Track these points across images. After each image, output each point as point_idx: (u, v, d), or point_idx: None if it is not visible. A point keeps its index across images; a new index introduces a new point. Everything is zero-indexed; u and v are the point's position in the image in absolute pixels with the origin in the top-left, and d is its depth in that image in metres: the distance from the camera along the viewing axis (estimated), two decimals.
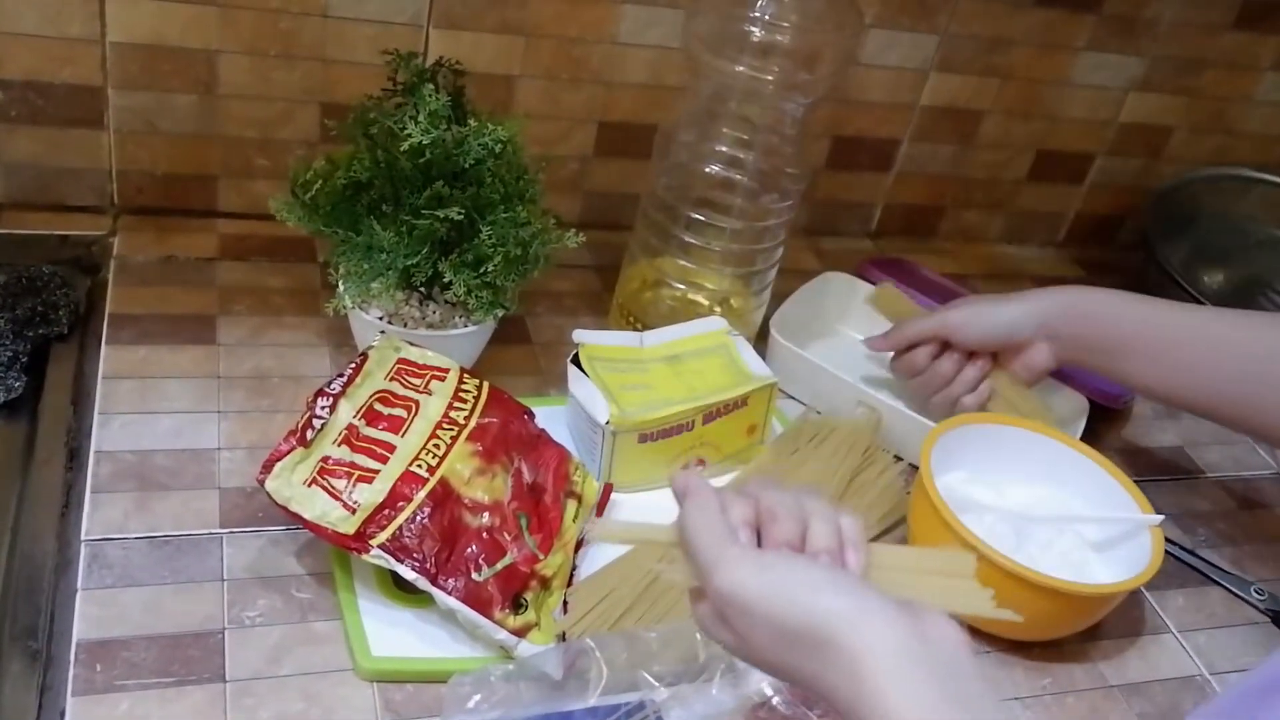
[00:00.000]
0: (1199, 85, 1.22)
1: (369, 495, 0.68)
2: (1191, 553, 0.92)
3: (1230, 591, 0.89)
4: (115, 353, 0.84)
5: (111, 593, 0.68)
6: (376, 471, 0.69)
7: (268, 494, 0.68)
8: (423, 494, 0.69)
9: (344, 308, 0.80)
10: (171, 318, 0.88)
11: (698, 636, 0.69)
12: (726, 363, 0.87)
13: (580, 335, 0.85)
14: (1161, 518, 0.81)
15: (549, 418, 0.85)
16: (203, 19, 0.90)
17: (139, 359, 0.84)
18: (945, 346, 0.90)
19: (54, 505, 0.74)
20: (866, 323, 1.04)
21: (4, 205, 0.95)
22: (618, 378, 0.83)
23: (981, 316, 0.89)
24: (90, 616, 0.67)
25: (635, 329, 0.93)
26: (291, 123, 0.97)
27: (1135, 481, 0.84)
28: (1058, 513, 0.84)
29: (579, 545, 0.76)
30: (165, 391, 0.82)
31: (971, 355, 0.90)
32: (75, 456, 0.78)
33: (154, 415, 0.80)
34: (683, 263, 0.93)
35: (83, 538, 0.71)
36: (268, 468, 0.68)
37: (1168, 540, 0.90)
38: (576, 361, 0.83)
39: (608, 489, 0.80)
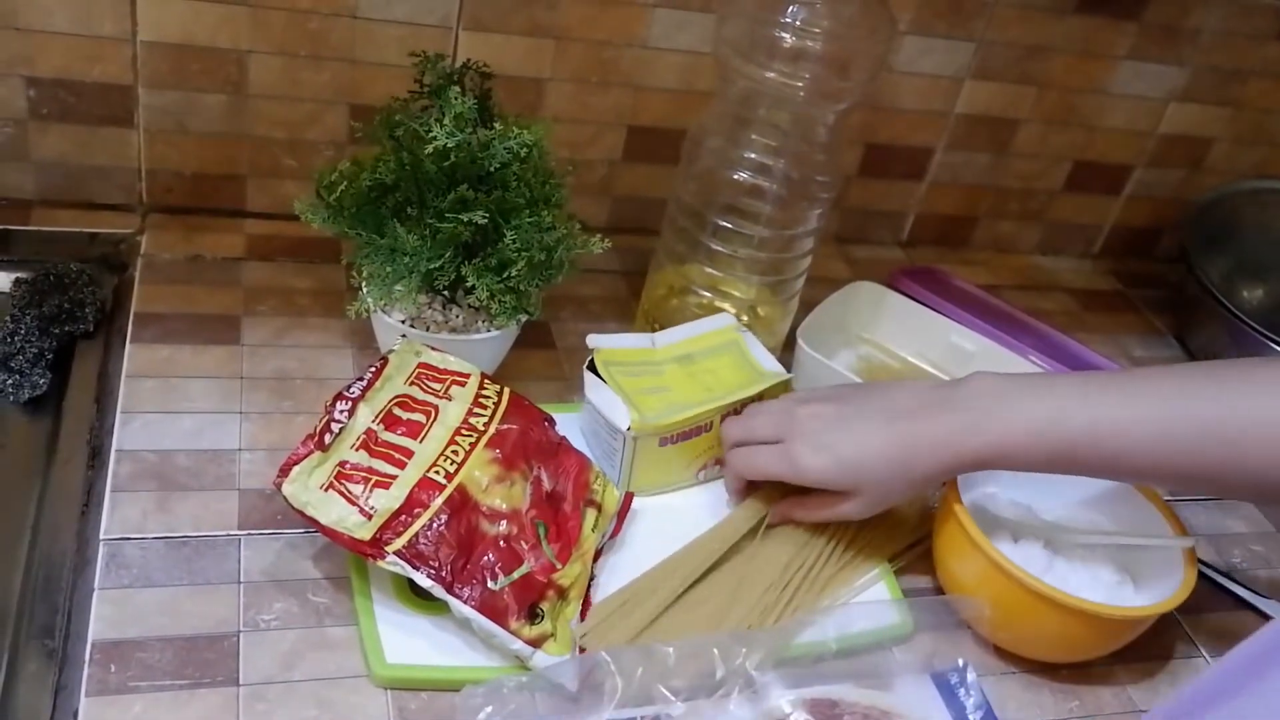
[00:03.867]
0: (1242, 96, 1.19)
1: (386, 501, 0.68)
2: (1226, 575, 0.89)
3: (1265, 616, 0.87)
4: (139, 351, 0.84)
5: (128, 593, 0.68)
6: (394, 477, 0.69)
7: (284, 498, 0.67)
8: (440, 500, 0.68)
9: (366, 311, 0.80)
10: (196, 317, 0.88)
11: (715, 651, 0.68)
12: (739, 360, 0.86)
13: (594, 340, 0.84)
14: (1194, 540, 0.79)
15: (573, 423, 0.84)
16: (233, 19, 0.90)
17: (163, 358, 0.84)
18: None
19: (74, 503, 0.74)
20: (895, 333, 1.03)
21: (34, 202, 0.96)
22: (634, 382, 0.82)
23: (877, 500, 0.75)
24: (106, 616, 0.67)
25: None
26: (320, 123, 0.97)
27: (1168, 500, 0.82)
28: (1089, 533, 0.82)
29: (598, 555, 0.75)
30: (188, 391, 0.82)
31: None
32: (97, 455, 0.78)
33: (176, 415, 0.80)
34: (709, 270, 0.92)
35: (101, 537, 0.71)
36: (285, 471, 0.67)
37: (1201, 562, 0.88)
38: (593, 367, 0.82)
39: (628, 498, 0.79)
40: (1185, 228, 1.17)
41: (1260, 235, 1.22)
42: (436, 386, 0.75)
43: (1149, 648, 0.81)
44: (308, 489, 0.67)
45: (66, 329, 0.86)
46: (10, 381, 0.81)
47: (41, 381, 0.82)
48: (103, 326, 0.88)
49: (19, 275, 0.88)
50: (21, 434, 0.80)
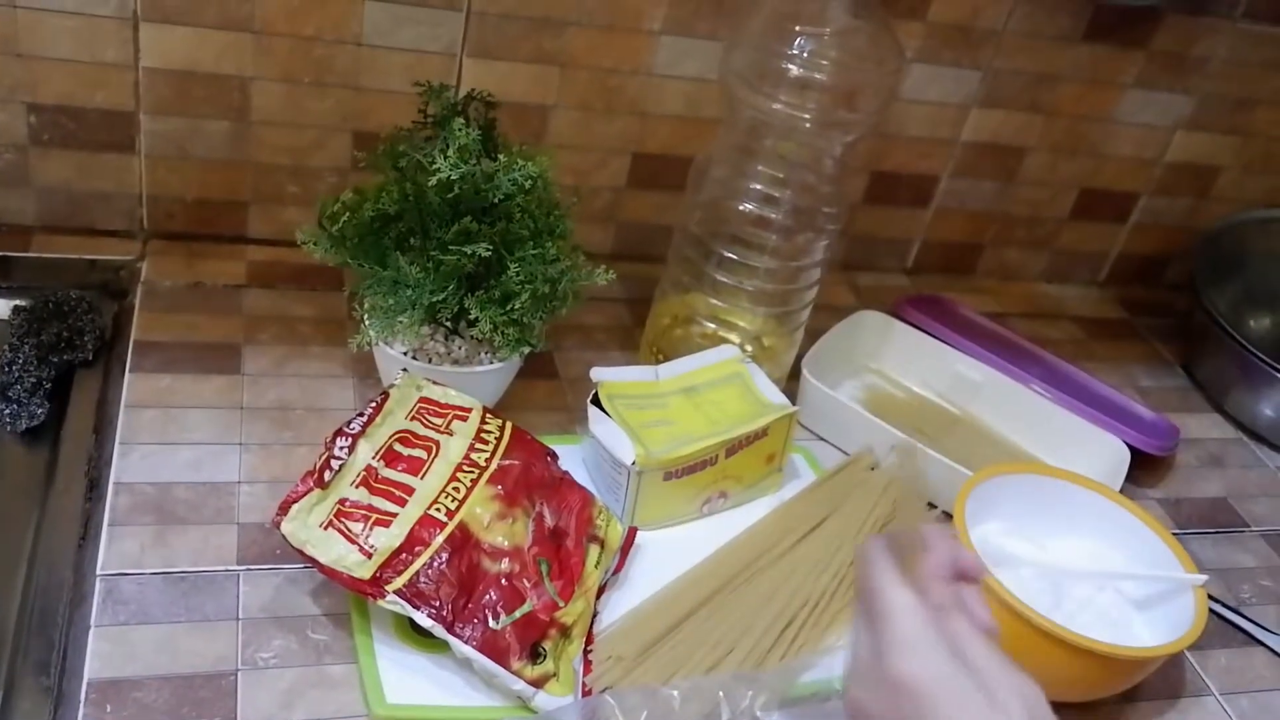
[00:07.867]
0: (1250, 124, 1.18)
1: (386, 539, 0.67)
2: (1235, 611, 0.88)
3: (1275, 653, 0.86)
4: (139, 381, 0.84)
5: (124, 630, 0.67)
6: (394, 515, 0.68)
7: (283, 537, 0.66)
8: (441, 538, 0.67)
9: (367, 344, 0.79)
10: (196, 345, 0.88)
11: (720, 694, 0.67)
12: (743, 392, 0.86)
13: (597, 373, 0.84)
14: (1205, 578, 0.78)
15: (575, 455, 0.84)
16: (237, 45, 0.89)
17: (162, 387, 0.83)
18: None
19: (71, 536, 0.74)
20: (901, 363, 1.02)
21: (35, 228, 0.95)
22: (638, 415, 0.82)
23: None
24: (102, 654, 0.66)
25: None
26: (323, 150, 0.96)
27: (1177, 534, 0.81)
28: (1097, 569, 0.81)
29: (601, 591, 0.74)
30: (187, 422, 0.81)
31: None
32: (95, 487, 0.77)
33: (175, 446, 0.79)
34: (714, 301, 0.92)
35: (98, 572, 0.70)
36: (284, 509, 0.67)
37: (1210, 598, 0.87)
38: (596, 400, 0.82)
39: (632, 533, 0.78)
40: (1193, 256, 1.17)
41: (1268, 264, 1.21)
42: (438, 421, 0.74)
43: (1157, 686, 0.80)
44: (307, 527, 0.66)
45: (65, 357, 0.85)
46: (8, 411, 0.81)
47: (39, 411, 0.81)
48: (102, 355, 0.87)
49: (18, 303, 0.88)
50: (19, 464, 0.80)
